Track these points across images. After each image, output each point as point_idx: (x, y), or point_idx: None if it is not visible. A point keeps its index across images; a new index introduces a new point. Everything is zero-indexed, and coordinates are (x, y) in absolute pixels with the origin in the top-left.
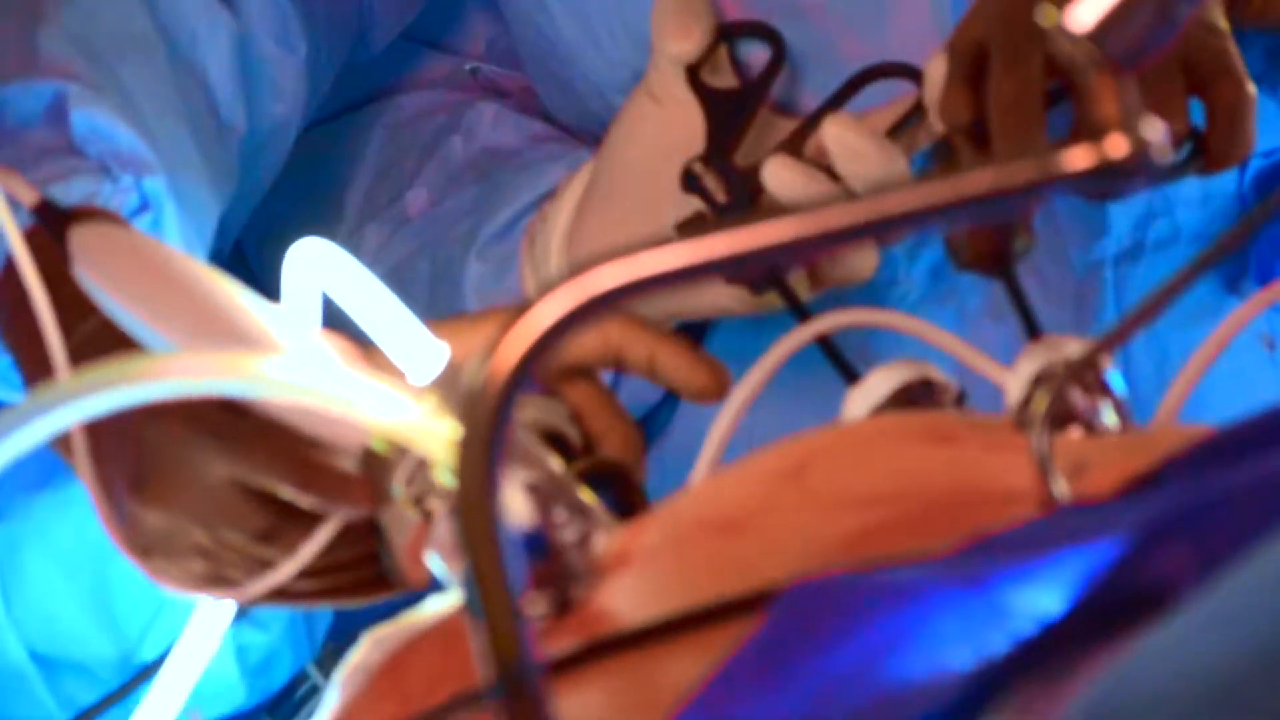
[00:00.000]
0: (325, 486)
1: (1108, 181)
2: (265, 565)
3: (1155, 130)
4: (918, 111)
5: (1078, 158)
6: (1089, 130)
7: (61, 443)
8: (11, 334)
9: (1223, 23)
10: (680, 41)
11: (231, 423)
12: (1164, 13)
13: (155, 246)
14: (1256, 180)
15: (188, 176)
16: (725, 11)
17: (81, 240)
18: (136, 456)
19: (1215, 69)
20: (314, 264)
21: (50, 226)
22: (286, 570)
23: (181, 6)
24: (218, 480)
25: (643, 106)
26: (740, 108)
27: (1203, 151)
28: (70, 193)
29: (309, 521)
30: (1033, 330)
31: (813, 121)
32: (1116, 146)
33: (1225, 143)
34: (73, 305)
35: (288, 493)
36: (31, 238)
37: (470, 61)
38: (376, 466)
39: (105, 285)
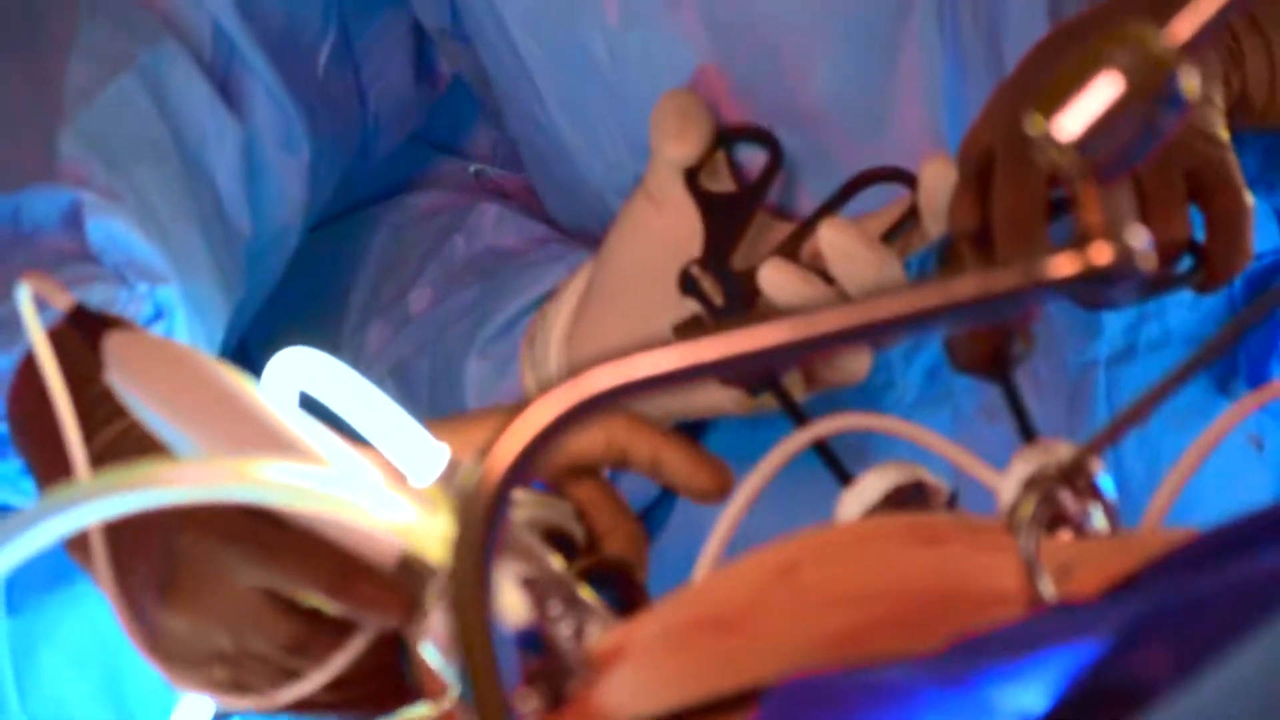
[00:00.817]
0: (358, 596)
1: (1094, 287)
2: (289, 675)
3: (1140, 237)
4: (912, 216)
5: (1063, 264)
6: (1076, 237)
7: (80, 551)
8: (27, 439)
9: (1223, 133)
10: (679, 146)
11: (262, 530)
12: (1148, 122)
13: (190, 355)
14: (1247, 283)
15: (200, 282)
16: (724, 116)
17: (115, 347)
18: (162, 562)
19: (1215, 180)
20: (292, 374)
21: (84, 332)
22: (316, 681)
23: (192, 111)
24: (246, 588)
25: (641, 209)
26: (737, 211)
27: (1204, 263)
28: (88, 299)
29: (336, 632)
30: (1027, 433)
31: (809, 225)
32: (1100, 253)
33: (1225, 254)
34: (94, 411)
35: (318, 601)
36: (53, 338)
37: (473, 163)
38: (410, 577)
39: (141, 393)
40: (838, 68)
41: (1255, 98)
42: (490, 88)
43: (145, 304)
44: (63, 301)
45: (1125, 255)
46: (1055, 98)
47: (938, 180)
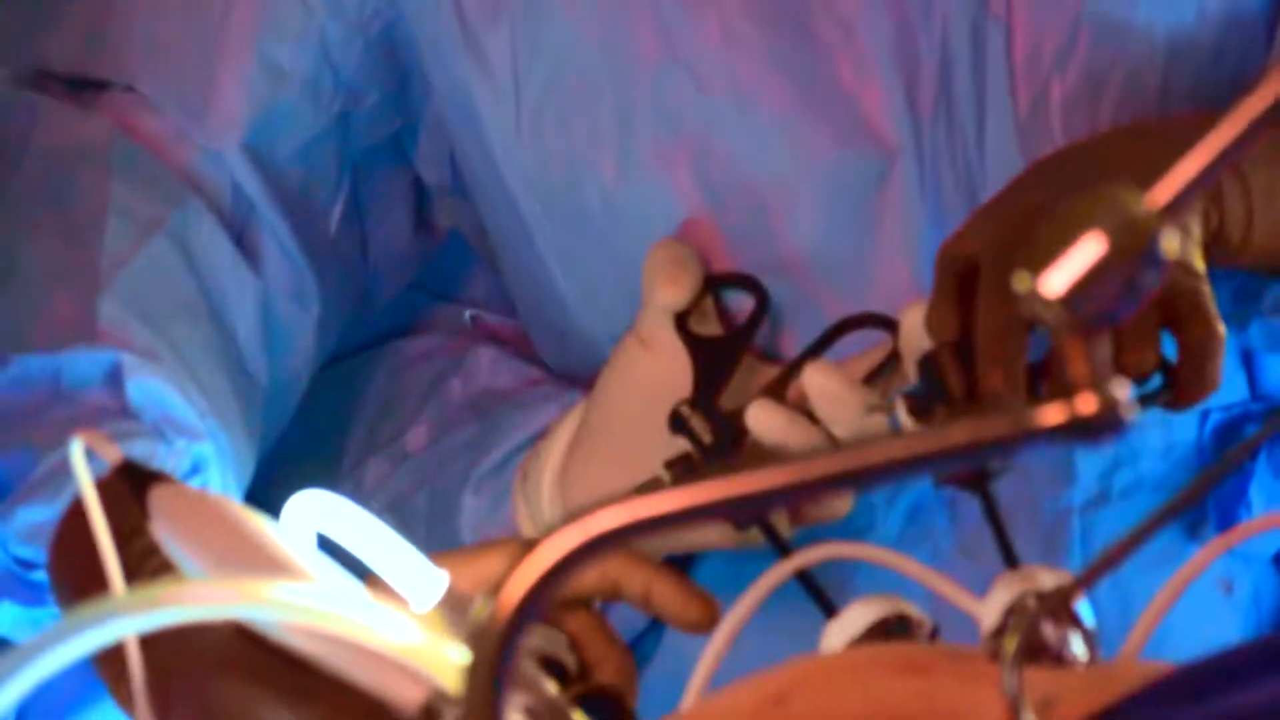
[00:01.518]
0: None
1: (1079, 436)
2: None
3: (1123, 389)
4: (893, 359)
5: (1050, 414)
6: (1061, 388)
7: (123, 696)
8: (71, 591)
9: (1199, 264)
10: (670, 291)
11: (293, 678)
12: (1131, 281)
13: (231, 509)
14: (1216, 433)
15: (233, 435)
16: (712, 264)
17: (161, 500)
18: (203, 711)
19: (1189, 308)
20: (309, 516)
21: (132, 486)
22: None
23: (216, 268)
24: None
25: (632, 351)
26: (725, 354)
27: (1173, 384)
28: (129, 454)
29: None
30: (1008, 557)
31: (794, 368)
32: (1086, 404)
33: (1194, 380)
34: (140, 566)
35: None
36: (100, 491)
37: (469, 309)
38: None
39: (185, 546)
40: (821, 222)
41: (1232, 234)
42: (486, 239)
43: (184, 459)
44: (113, 454)
45: (1110, 406)
46: (1041, 255)
47: (917, 325)
